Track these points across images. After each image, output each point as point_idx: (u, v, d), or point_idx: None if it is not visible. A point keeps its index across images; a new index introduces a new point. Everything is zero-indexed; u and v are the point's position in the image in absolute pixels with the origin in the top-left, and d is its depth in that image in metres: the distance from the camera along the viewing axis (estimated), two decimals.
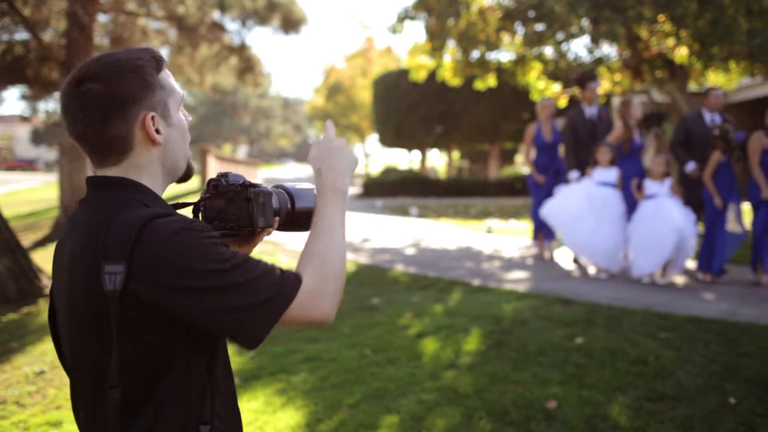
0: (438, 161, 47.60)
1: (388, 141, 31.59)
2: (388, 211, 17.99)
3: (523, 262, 8.82)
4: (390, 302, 6.38)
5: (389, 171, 27.64)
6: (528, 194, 23.04)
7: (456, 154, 37.51)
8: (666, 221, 6.90)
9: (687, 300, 6.32)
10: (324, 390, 4.30)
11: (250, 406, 4.03)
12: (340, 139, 1.52)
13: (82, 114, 1.31)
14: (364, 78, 41.57)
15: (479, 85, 14.54)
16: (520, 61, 14.06)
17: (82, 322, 1.30)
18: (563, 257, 8.93)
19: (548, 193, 8.53)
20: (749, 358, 4.56)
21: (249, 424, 3.76)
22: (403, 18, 13.97)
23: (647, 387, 4.15)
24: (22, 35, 13.03)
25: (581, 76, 8.80)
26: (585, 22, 12.27)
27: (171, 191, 8.22)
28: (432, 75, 15.92)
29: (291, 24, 15.14)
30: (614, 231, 7.41)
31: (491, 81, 14.36)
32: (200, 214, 1.52)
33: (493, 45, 13.33)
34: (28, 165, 57.27)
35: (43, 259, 9.33)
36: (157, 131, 1.37)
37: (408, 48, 23.21)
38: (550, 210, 7.76)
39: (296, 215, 1.58)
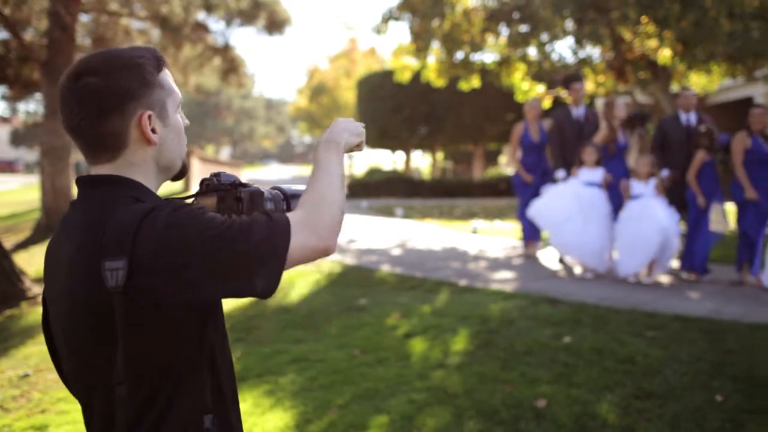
0: (422, 162, 47.67)
1: (372, 142, 31.57)
2: (373, 212, 17.98)
3: (509, 262, 8.84)
4: (377, 303, 6.38)
5: (374, 172, 27.63)
6: (512, 195, 23.07)
7: (440, 155, 37.54)
8: (651, 221, 6.95)
9: (672, 299, 6.37)
10: (312, 391, 4.28)
11: None
12: (358, 127, 1.58)
13: (78, 107, 1.30)
14: (347, 79, 41.55)
15: (463, 86, 14.58)
16: (505, 62, 14.11)
17: (84, 323, 1.29)
18: (549, 257, 8.97)
19: (535, 194, 8.57)
20: (735, 356, 4.60)
21: None
22: (387, 18, 13.98)
23: (635, 385, 4.17)
24: (2, 35, 12.90)
25: (566, 78, 8.85)
26: (569, 24, 12.34)
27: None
28: (416, 76, 15.96)
29: (275, 24, 15.09)
30: (601, 231, 7.46)
31: (475, 82, 14.41)
32: None
33: (478, 46, 13.37)
34: (7, 166, 56.56)
35: (26, 261, 9.24)
36: (153, 131, 1.36)
37: (392, 49, 23.19)
38: (537, 210, 7.79)
39: None
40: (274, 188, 1.58)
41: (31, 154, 62.20)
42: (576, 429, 3.63)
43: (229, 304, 6.05)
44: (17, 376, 4.80)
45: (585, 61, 13.38)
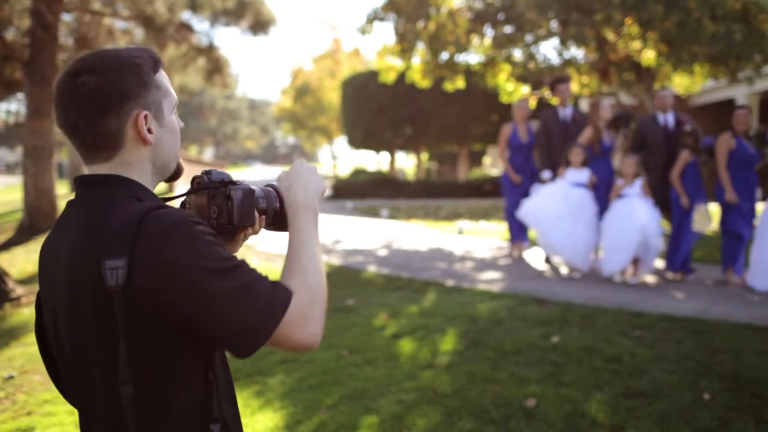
0: (406, 163, 47.69)
1: (357, 143, 31.55)
2: (358, 213, 17.97)
3: (495, 262, 8.86)
4: (365, 303, 6.37)
5: (358, 173, 27.64)
6: (497, 195, 23.10)
7: (424, 156, 37.59)
8: (632, 221, 6.99)
9: (658, 299, 6.41)
10: (302, 391, 4.27)
11: None
12: (310, 164, 1.52)
13: (75, 105, 1.30)
14: (332, 79, 41.48)
15: (448, 86, 14.60)
16: (489, 63, 14.15)
17: (84, 323, 1.28)
18: (535, 258, 9.00)
19: (523, 194, 8.59)
20: (721, 355, 4.63)
21: None
22: (372, 19, 13.97)
23: (623, 384, 4.19)
24: None
25: (553, 81, 8.91)
26: (554, 25, 12.39)
27: None
28: (401, 77, 15.95)
29: (260, 25, 15.04)
30: (588, 232, 7.50)
31: (460, 83, 14.43)
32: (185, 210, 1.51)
33: (463, 47, 13.39)
34: None
35: (8, 262, 9.15)
36: (149, 131, 1.36)
37: (376, 49, 23.17)
38: (528, 209, 7.78)
39: (285, 215, 1.55)
40: (268, 185, 1.56)
41: (12, 155, 61.58)
42: (566, 428, 3.64)
43: None
44: (2, 378, 4.75)
45: (570, 62, 13.45)
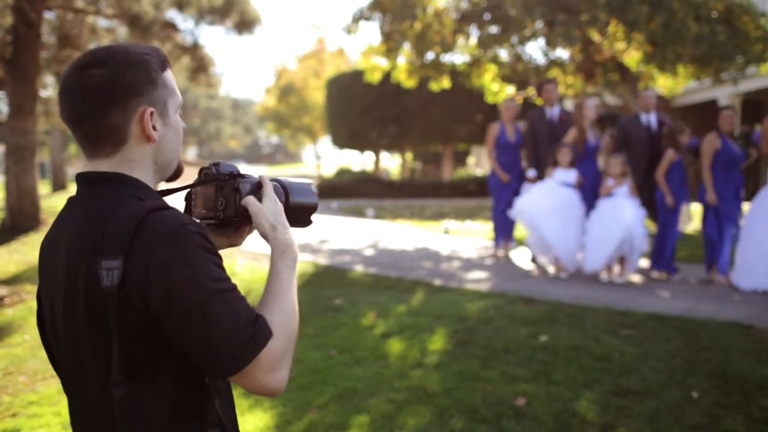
0: (390, 163, 47.70)
1: (341, 142, 31.49)
2: (343, 213, 17.95)
3: (482, 262, 8.88)
4: (353, 303, 6.35)
5: (343, 172, 27.60)
6: (482, 195, 23.11)
7: (409, 156, 37.60)
8: (617, 219, 7.02)
9: (645, 298, 6.44)
10: (291, 391, 4.25)
11: None
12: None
13: (81, 98, 1.29)
14: (316, 79, 41.38)
15: (434, 86, 14.60)
16: (475, 64, 14.17)
17: (81, 322, 1.27)
18: (521, 257, 9.02)
19: (511, 194, 8.61)
20: (709, 353, 4.66)
21: None
22: (358, 18, 13.94)
23: (613, 383, 4.21)
24: None
25: (539, 83, 8.95)
26: (539, 25, 12.43)
27: None
28: (386, 76, 15.94)
29: (245, 24, 14.96)
30: (576, 231, 7.53)
31: (446, 83, 14.44)
32: (191, 202, 1.51)
33: (449, 47, 13.40)
34: None
35: None
36: (154, 128, 1.35)
37: (361, 49, 23.14)
38: (521, 208, 7.77)
39: (291, 210, 1.53)
40: (273, 180, 1.55)
41: None
42: (557, 426, 3.65)
43: None
44: None
45: (555, 63, 13.50)
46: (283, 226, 1.41)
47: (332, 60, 43.29)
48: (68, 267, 1.28)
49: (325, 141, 46.50)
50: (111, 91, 1.29)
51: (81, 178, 1.37)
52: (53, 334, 1.38)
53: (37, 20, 11.38)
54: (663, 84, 14.46)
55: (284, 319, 1.30)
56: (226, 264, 1.30)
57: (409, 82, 14.66)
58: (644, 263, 8.16)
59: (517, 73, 13.85)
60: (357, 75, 26.53)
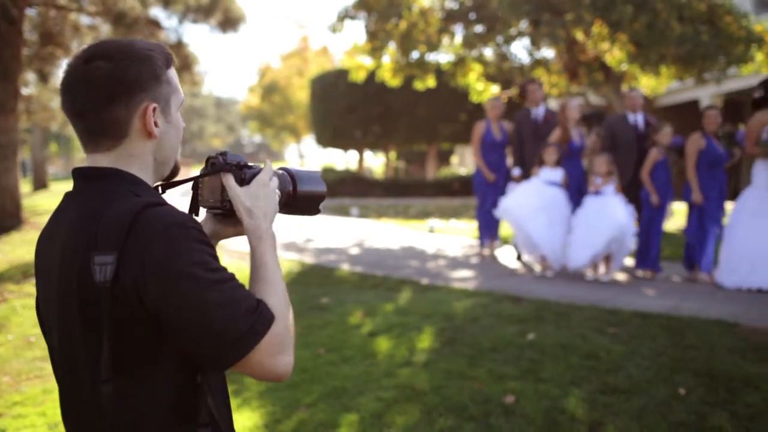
0: (374, 162, 47.71)
1: (325, 141, 31.45)
2: (328, 212, 17.92)
3: (467, 261, 8.90)
4: (340, 302, 6.34)
5: (327, 171, 27.52)
6: (466, 194, 23.14)
7: (392, 155, 37.62)
8: (608, 218, 7.06)
9: (631, 296, 6.48)
10: (279, 390, 4.24)
11: None
12: (273, 180, 1.47)
13: (85, 90, 1.29)
14: (300, 78, 41.33)
15: (419, 85, 14.61)
16: (460, 63, 14.19)
17: (75, 317, 1.26)
18: (506, 256, 9.05)
19: (497, 192, 8.63)
20: (695, 351, 4.70)
21: None
22: (343, 17, 13.92)
23: (600, 380, 4.23)
24: None
25: (523, 83, 9.00)
26: (525, 25, 12.48)
27: None
28: (371, 75, 15.93)
29: (230, 22, 14.90)
30: (562, 230, 7.56)
31: (431, 82, 14.45)
32: (198, 191, 1.51)
33: (434, 46, 13.41)
34: None
35: None
36: (156, 124, 1.35)
37: (345, 48, 23.11)
38: (506, 207, 7.79)
39: (298, 198, 1.55)
40: (281, 169, 1.55)
41: None
42: (545, 424, 3.66)
43: None
44: None
45: (540, 63, 13.56)
46: (261, 212, 1.40)
47: (316, 59, 43.28)
48: (62, 263, 1.28)
49: (309, 140, 46.48)
50: (115, 84, 1.29)
51: (77, 173, 1.36)
52: (48, 330, 1.37)
53: (19, 17, 11.26)
54: (646, 84, 14.56)
55: (280, 301, 1.31)
56: None
57: (393, 81, 14.65)
58: (628, 262, 8.22)
59: (502, 73, 13.89)
60: (341, 74, 26.50)
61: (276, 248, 1.41)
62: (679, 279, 7.45)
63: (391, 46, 13.80)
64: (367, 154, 39.59)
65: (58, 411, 4.02)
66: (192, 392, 1.30)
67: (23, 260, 8.82)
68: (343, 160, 45.54)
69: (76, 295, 1.24)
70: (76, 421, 1.34)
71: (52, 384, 4.47)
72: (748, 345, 4.79)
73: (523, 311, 5.79)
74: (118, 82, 1.29)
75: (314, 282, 7.40)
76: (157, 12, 14.41)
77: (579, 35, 12.18)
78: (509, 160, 9.20)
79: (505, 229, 9.60)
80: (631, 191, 7.85)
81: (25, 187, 22.04)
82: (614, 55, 12.35)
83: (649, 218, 7.53)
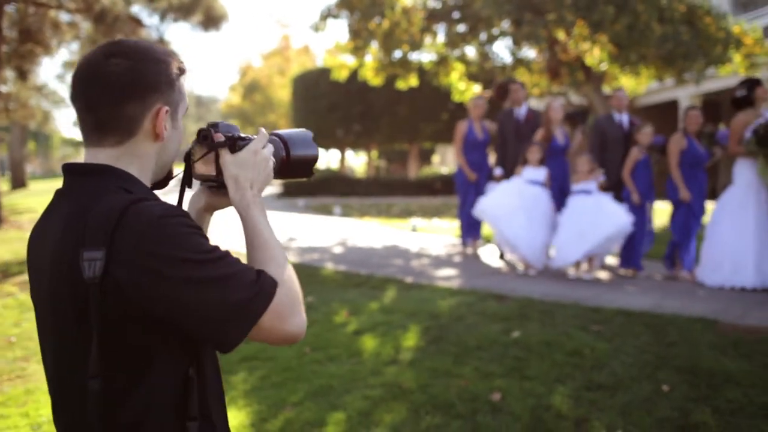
0: (355, 161, 47.70)
1: None
2: (311, 211, 17.90)
3: (450, 259, 8.93)
4: (324, 300, 6.34)
5: None
6: (448, 193, 23.19)
7: (374, 154, 37.64)
8: (609, 215, 7.09)
9: (613, 294, 6.54)
10: (265, 389, 4.23)
11: None
12: (268, 147, 1.46)
13: (103, 84, 1.29)
14: (281, 77, 41.21)
15: (401, 84, 14.62)
16: (442, 62, 14.22)
17: (66, 315, 1.26)
18: (489, 255, 9.09)
19: (478, 192, 8.67)
20: (677, 348, 4.76)
21: None
22: (326, 16, 13.88)
23: (585, 377, 4.27)
24: None
25: (500, 89, 9.05)
26: (507, 24, 12.53)
27: None
28: (353, 74, 15.92)
29: (212, 20, 14.84)
30: (543, 229, 7.61)
31: (413, 81, 14.47)
32: (191, 161, 1.50)
33: (417, 45, 13.43)
34: None
35: None
36: (164, 127, 1.36)
37: (327, 47, 23.08)
38: (484, 206, 7.84)
39: (292, 163, 1.55)
40: (272, 134, 1.55)
41: None
42: (532, 421, 3.69)
43: None
44: None
45: (521, 62, 13.62)
46: (247, 181, 1.39)
47: (297, 57, 43.19)
48: (53, 260, 1.27)
49: None
50: (134, 82, 1.30)
51: (68, 169, 1.35)
52: (42, 329, 1.37)
53: None
54: (625, 84, 14.69)
55: (280, 266, 1.32)
56: None
57: (376, 81, 14.65)
58: (612, 260, 8.29)
59: (484, 72, 13.94)
60: (323, 72, 26.46)
61: (266, 216, 1.41)
62: (661, 277, 7.52)
63: (374, 45, 13.79)
64: (349, 153, 39.58)
65: (41, 411, 4.00)
66: (184, 387, 1.30)
67: (2, 260, 8.74)
68: (325, 159, 45.49)
69: (67, 293, 1.23)
70: (68, 421, 1.33)
71: (35, 384, 4.43)
72: (728, 342, 4.86)
73: (508, 309, 5.82)
74: (136, 80, 1.30)
75: (299, 281, 7.37)
76: (138, 10, 14.28)
77: (560, 35, 12.25)
78: (491, 160, 9.26)
79: (487, 228, 9.64)
80: (618, 190, 7.92)
81: (3, 185, 21.79)
82: (595, 55, 12.45)
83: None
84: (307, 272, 7.91)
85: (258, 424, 3.74)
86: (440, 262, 8.71)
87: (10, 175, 25.00)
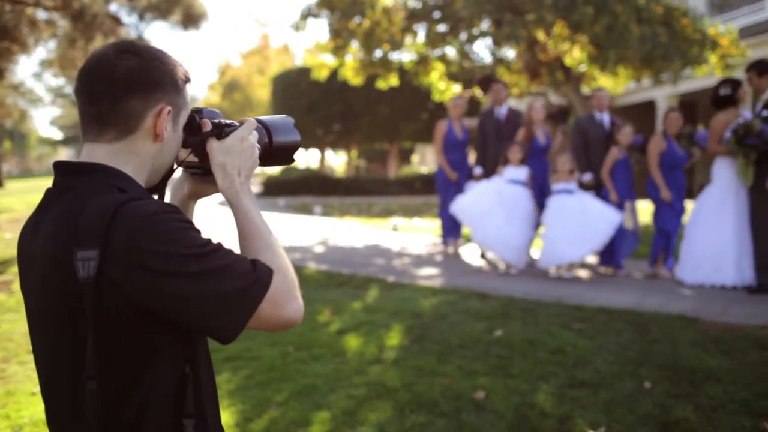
0: (335, 160, 47.67)
1: None
2: (291, 210, 17.86)
3: (432, 258, 8.95)
4: (307, 300, 6.29)
5: (289, 170, 27.40)
6: (428, 193, 23.24)
7: (354, 153, 37.63)
8: (604, 216, 7.15)
9: (595, 292, 6.59)
10: (249, 389, 4.21)
11: None
12: (254, 135, 1.47)
13: (108, 77, 1.30)
14: (261, 76, 41.07)
15: (381, 84, 14.63)
16: (422, 62, 14.25)
17: (59, 315, 1.25)
18: (470, 254, 9.13)
19: (458, 191, 8.70)
20: (658, 345, 4.80)
21: None
22: (306, 15, 13.86)
23: (568, 375, 4.30)
24: None
25: (483, 79, 9.07)
26: (487, 24, 12.59)
27: None
28: (333, 74, 15.90)
29: (191, 19, 14.75)
30: (523, 228, 7.65)
31: (393, 81, 14.49)
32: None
33: (397, 44, 13.44)
34: None
35: None
36: (165, 128, 1.36)
37: (306, 46, 23.02)
38: (460, 206, 7.90)
39: (275, 149, 1.55)
40: (256, 120, 1.55)
41: None
42: (516, 419, 3.70)
43: None
44: None
45: (501, 62, 13.69)
46: (234, 168, 1.40)
47: (277, 57, 43.06)
48: (44, 259, 1.26)
49: None
50: (140, 78, 1.31)
51: (60, 167, 1.34)
52: (33, 330, 1.36)
53: None
54: (604, 84, 14.81)
55: (275, 254, 1.33)
56: None
57: (356, 80, 14.65)
58: (592, 259, 8.35)
59: (464, 72, 13.99)
60: (303, 72, 26.41)
61: (256, 203, 1.42)
62: (641, 275, 7.59)
63: (354, 45, 13.79)
64: (329, 152, 39.55)
65: (22, 413, 3.95)
66: (179, 385, 1.30)
67: None
68: (305, 158, 45.41)
69: (61, 292, 1.23)
70: (64, 423, 1.32)
71: (15, 386, 4.39)
72: (709, 339, 4.91)
73: (490, 308, 5.85)
74: (143, 77, 1.31)
75: None
76: (117, 9, 14.15)
77: (540, 35, 12.33)
78: (471, 159, 9.29)
79: (467, 227, 9.69)
80: (598, 189, 7.98)
81: None
82: (575, 56, 12.54)
83: None
84: None
85: (243, 424, 3.73)
86: (422, 261, 8.73)
87: None
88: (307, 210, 17.59)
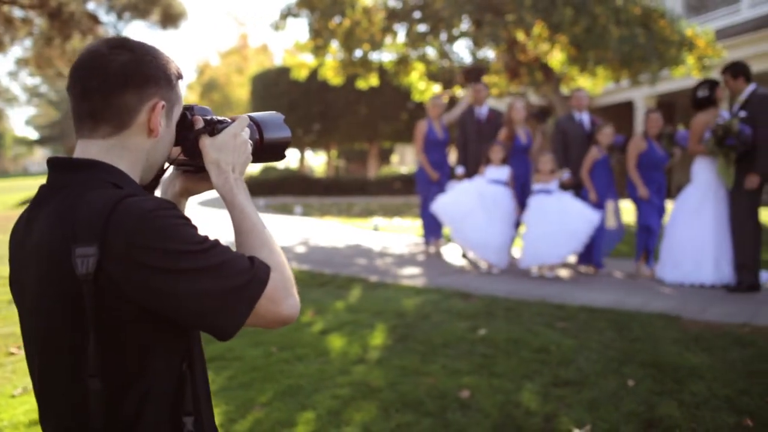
0: (314, 160, 47.57)
1: None
2: (271, 210, 17.78)
3: (414, 258, 8.95)
4: None
5: (269, 170, 27.29)
6: (408, 193, 23.25)
7: (333, 153, 37.58)
8: (583, 217, 7.18)
9: (577, 291, 6.63)
10: (233, 390, 4.18)
11: None
12: (246, 131, 1.47)
13: (103, 72, 1.28)
14: (239, 75, 40.89)
15: (361, 84, 14.61)
16: (402, 62, 14.25)
17: (56, 312, 1.23)
18: (452, 254, 9.14)
19: (439, 191, 8.71)
20: (641, 343, 4.84)
21: None
22: (286, 15, 13.80)
23: (552, 374, 4.31)
24: None
25: (468, 73, 9.09)
26: (466, 25, 12.62)
27: None
28: (312, 73, 15.85)
29: (170, 18, 14.63)
30: (503, 228, 7.67)
31: (373, 81, 14.47)
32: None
33: (378, 44, 13.43)
34: None
35: None
36: (159, 123, 1.35)
37: (285, 46, 22.95)
38: (440, 206, 7.90)
39: (266, 145, 1.54)
40: (248, 116, 1.54)
41: None
42: (501, 417, 3.71)
43: None
44: None
45: (481, 62, 13.73)
46: (228, 165, 1.40)
47: (256, 56, 42.90)
48: (39, 257, 1.24)
49: None
50: (133, 72, 1.30)
51: (54, 164, 1.32)
52: (26, 331, 1.34)
53: None
54: (583, 85, 14.91)
55: (271, 251, 1.34)
56: None
57: (336, 80, 14.61)
58: (572, 258, 8.39)
59: (444, 72, 14.01)
60: (282, 71, 26.32)
61: (251, 199, 1.42)
62: (621, 275, 7.65)
63: (334, 45, 13.75)
64: (308, 152, 39.45)
65: (2, 416, 3.89)
66: (178, 383, 1.30)
67: None
68: (284, 159, 45.27)
69: (57, 290, 1.21)
70: (59, 422, 1.30)
71: None
72: (690, 337, 4.96)
73: (473, 307, 5.86)
74: (136, 71, 1.30)
75: None
76: (95, 7, 14.01)
77: (520, 36, 12.38)
78: (451, 158, 9.31)
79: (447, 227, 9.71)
80: (578, 189, 8.03)
81: None
82: (553, 56, 12.61)
83: None
84: None
85: (227, 425, 3.69)
86: (404, 261, 8.73)
87: None
88: (287, 210, 17.53)
